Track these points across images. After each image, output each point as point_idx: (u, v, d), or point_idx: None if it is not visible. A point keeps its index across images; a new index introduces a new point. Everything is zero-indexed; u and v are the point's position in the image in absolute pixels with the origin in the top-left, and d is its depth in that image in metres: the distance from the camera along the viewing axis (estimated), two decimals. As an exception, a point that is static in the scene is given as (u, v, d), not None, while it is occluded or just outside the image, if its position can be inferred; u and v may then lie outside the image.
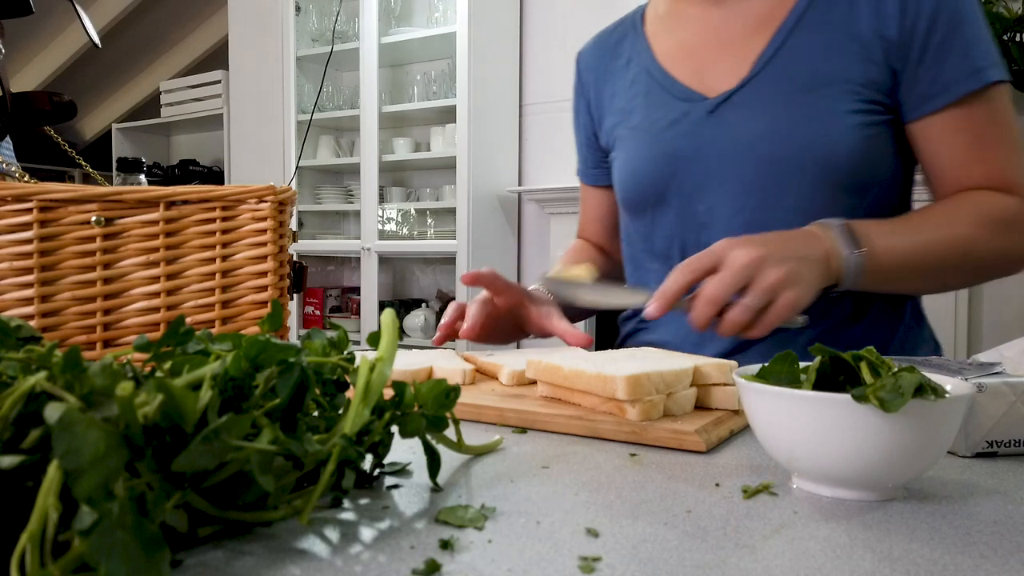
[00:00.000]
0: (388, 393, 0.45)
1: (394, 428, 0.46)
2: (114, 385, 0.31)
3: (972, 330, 2.50)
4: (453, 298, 3.54)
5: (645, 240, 1.00)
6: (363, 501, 0.43)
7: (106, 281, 0.68)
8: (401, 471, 0.48)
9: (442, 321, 0.88)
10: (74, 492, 0.27)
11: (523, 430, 0.60)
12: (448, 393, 0.46)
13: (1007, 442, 0.53)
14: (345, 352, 0.47)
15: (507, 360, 0.75)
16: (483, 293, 0.90)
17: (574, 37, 1.15)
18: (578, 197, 1.21)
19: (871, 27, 0.85)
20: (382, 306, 3.42)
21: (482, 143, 3.17)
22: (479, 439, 0.54)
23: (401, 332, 3.43)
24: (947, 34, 0.83)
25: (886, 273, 0.79)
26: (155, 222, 0.68)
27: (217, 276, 0.69)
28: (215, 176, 4.67)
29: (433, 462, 0.45)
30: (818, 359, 0.47)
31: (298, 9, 3.55)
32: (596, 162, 1.11)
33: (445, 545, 0.36)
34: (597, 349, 0.80)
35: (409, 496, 0.43)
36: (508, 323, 0.92)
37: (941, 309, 2.49)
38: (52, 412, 0.28)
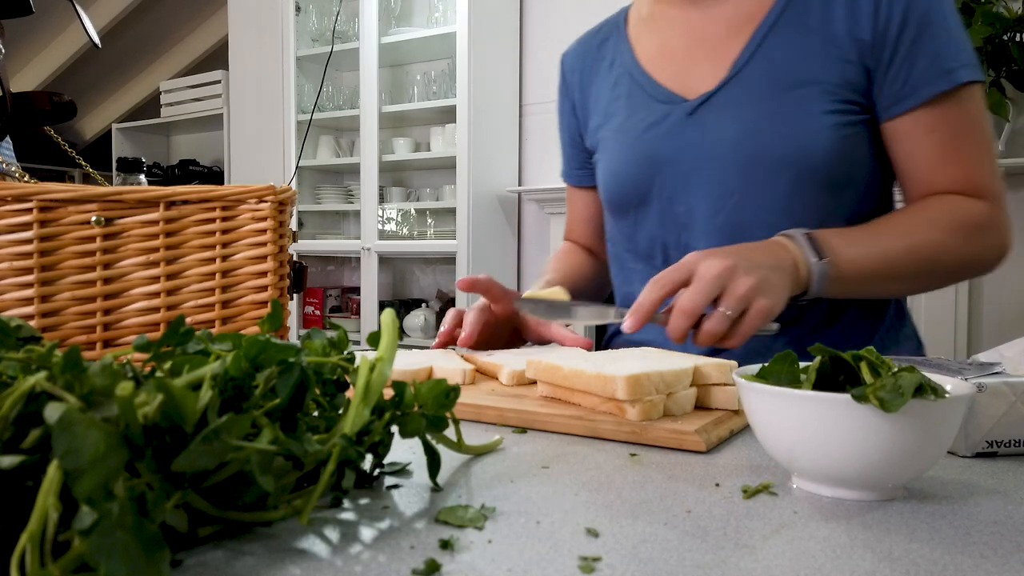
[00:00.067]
0: (388, 393, 0.45)
1: (394, 428, 0.46)
2: (114, 385, 0.31)
3: (972, 330, 2.50)
4: (453, 298, 3.54)
5: (628, 241, 1.00)
6: (363, 501, 0.42)
7: (106, 281, 0.68)
8: (401, 471, 0.48)
9: (441, 329, 0.89)
10: (74, 492, 0.27)
11: (523, 430, 0.60)
12: (448, 393, 0.46)
13: (1007, 442, 0.53)
14: (345, 352, 0.47)
15: (507, 360, 0.75)
16: (481, 300, 0.90)
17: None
18: (578, 197, 1.21)
19: (846, 28, 0.85)
20: (382, 306, 3.42)
21: (482, 143, 3.17)
22: (479, 439, 0.54)
23: (401, 332, 3.43)
24: (918, 35, 0.83)
25: (852, 281, 0.79)
26: (155, 222, 0.68)
27: (217, 276, 0.69)
28: (215, 176, 4.67)
29: (433, 462, 0.45)
30: (818, 359, 0.47)
31: (298, 9, 3.55)
32: (581, 163, 1.11)
33: (445, 545, 0.36)
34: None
35: (409, 496, 0.43)
36: (506, 330, 0.92)
37: (941, 309, 2.49)
38: (52, 412, 0.28)
